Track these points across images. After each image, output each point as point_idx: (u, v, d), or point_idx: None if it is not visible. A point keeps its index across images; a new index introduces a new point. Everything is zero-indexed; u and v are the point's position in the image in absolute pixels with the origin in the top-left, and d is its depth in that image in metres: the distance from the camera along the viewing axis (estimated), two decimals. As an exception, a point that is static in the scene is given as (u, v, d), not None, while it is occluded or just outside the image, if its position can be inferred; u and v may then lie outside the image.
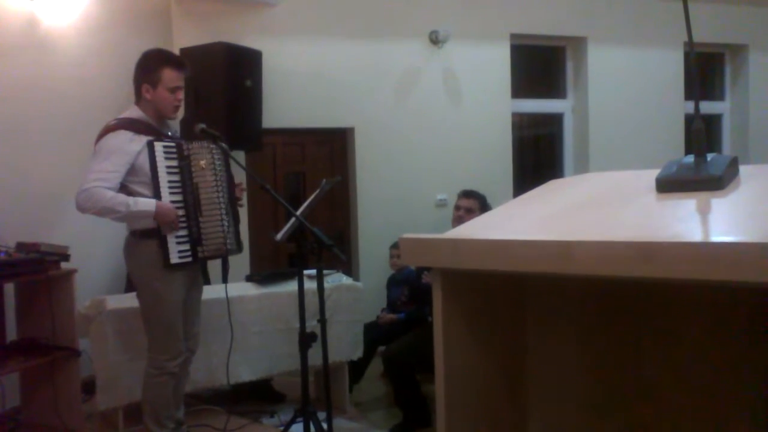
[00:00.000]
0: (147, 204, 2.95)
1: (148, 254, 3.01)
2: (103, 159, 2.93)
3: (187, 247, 3.05)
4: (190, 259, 3.06)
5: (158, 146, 3.01)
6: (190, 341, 3.25)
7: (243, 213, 3.63)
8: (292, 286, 3.73)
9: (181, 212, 3.03)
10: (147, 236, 3.01)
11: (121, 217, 2.99)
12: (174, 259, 3.00)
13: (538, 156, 6.81)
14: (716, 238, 1.14)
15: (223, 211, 3.13)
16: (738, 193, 1.35)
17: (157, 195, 2.99)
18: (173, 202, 3.02)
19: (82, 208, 2.92)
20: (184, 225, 3.04)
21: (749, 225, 1.20)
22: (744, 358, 1.55)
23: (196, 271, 3.23)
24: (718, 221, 1.27)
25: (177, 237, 3.02)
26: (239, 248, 3.31)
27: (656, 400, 1.69)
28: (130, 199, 2.94)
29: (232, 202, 3.25)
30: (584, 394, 1.77)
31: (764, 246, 0.99)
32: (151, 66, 3.06)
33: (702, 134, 1.43)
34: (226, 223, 3.14)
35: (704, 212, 1.31)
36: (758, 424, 1.54)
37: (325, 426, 3.24)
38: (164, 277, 3.02)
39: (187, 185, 3.07)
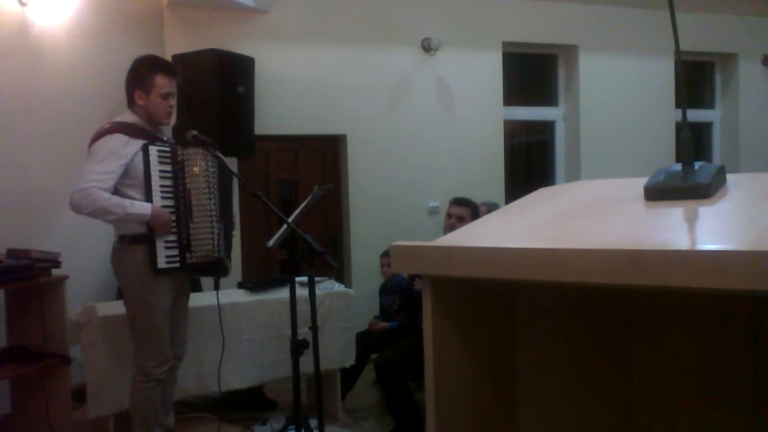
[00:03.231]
0: (143, 207, 2.95)
1: (137, 260, 3.00)
2: (99, 161, 2.93)
3: (175, 252, 3.04)
4: (177, 265, 3.05)
5: (153, 150, 3.01)
6: (177, 348, 3.24)
7: (235, 219, 3.62)
8: (283, 293, 3.72)
9: (172, 217, 3.03)
10: (136, 241, 3.00)
11: (116, 219, 2.98)
12: (161, 263, 3.00)
13: (529, 163, 6.84)
14: (703, 246, 1.15)
15: (214, 219, 3.12)
16: (725, 201, 1.36)
17: (148, 199, 2.99)
18: (164, 206, 3.01)
19: (77, 208, 2.90)
20: (174, 230, 3.04)
21: (735, 233, 1.21)
22: (738, 357, 1.56)
23: (183, 277, 3.22)
24: (705, 229, 1.28)
25: (166, 242, 3.02)
26: (228, 259, 3.26)
27: (650, 402, 1.70)
28: (127, 202, 2.93)
29: (225, 212, 3.24)
30: (576, 400, 1.78)
31: (750, 254, 1.00)
32: (143, 72, 3.07)
33: (689, 142, 1.44)
34: (216, 231, 3.13)
35: (691, 220, 1.32)
36: (754, 424, 1.55)
37: (316, 433, 3.24)
38: (152, 283, 3.01)
39: (180, 190, 3.06)
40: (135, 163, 2.98)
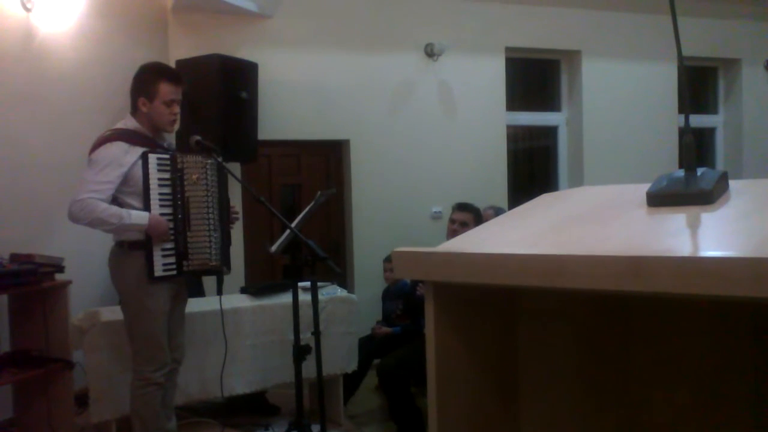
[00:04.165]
0: (140, 217, 2.96)
1: (135, 266, 3.01)
2: (97, 170, 2.94)
3: (172, 260, 3.05)
4: (174, 272, 3.06)
5: (152, 158, 3.01)
6: (175, 352, 3.24)
7: (238, 224, 3.62)
8: (286, 298, 3.73)
9: (169, 225, 3.04)
10: (134, 248, 3.01)
11: (113, 230, 3.00)
12: (158, 271, 3.00)
13: (532, 168, 6.84)
14: (705, 253, 1.15)
15: (212, 227, 3.12)
16: (727, 207, 1.36)
17: (146, 207, 2.99)
18: (162, 214, 3.01)
19: (74, 218, 2.93)
20: (171, 238, 3.04)
21: (738, 240, 1.21)
22: (739, 358, 1.55)
23: (181, 282, 3.23)
24: (707, 236, 1.28)
25: (163, 250, 3.02)
26: (227, 266, 3.26)
27: (650, 403, 1.69)
28: (123, 212, 2.94)
29: (224, 219, 3.24)
30: (577, 403, 1.78)
31: (752, 261, 1.00)
32: (147, 79, 3.08)
33: (692, 148, 1.44)
34: (213, 239, 3.13)
35: (694, 227, 1.32)
36: (755, 424, 1.54)
37: (319, 439, 3.23)
38: (149, 289, 3.01)
39: (178, 198, 3.06)
40: (135, 170, 2.99)
